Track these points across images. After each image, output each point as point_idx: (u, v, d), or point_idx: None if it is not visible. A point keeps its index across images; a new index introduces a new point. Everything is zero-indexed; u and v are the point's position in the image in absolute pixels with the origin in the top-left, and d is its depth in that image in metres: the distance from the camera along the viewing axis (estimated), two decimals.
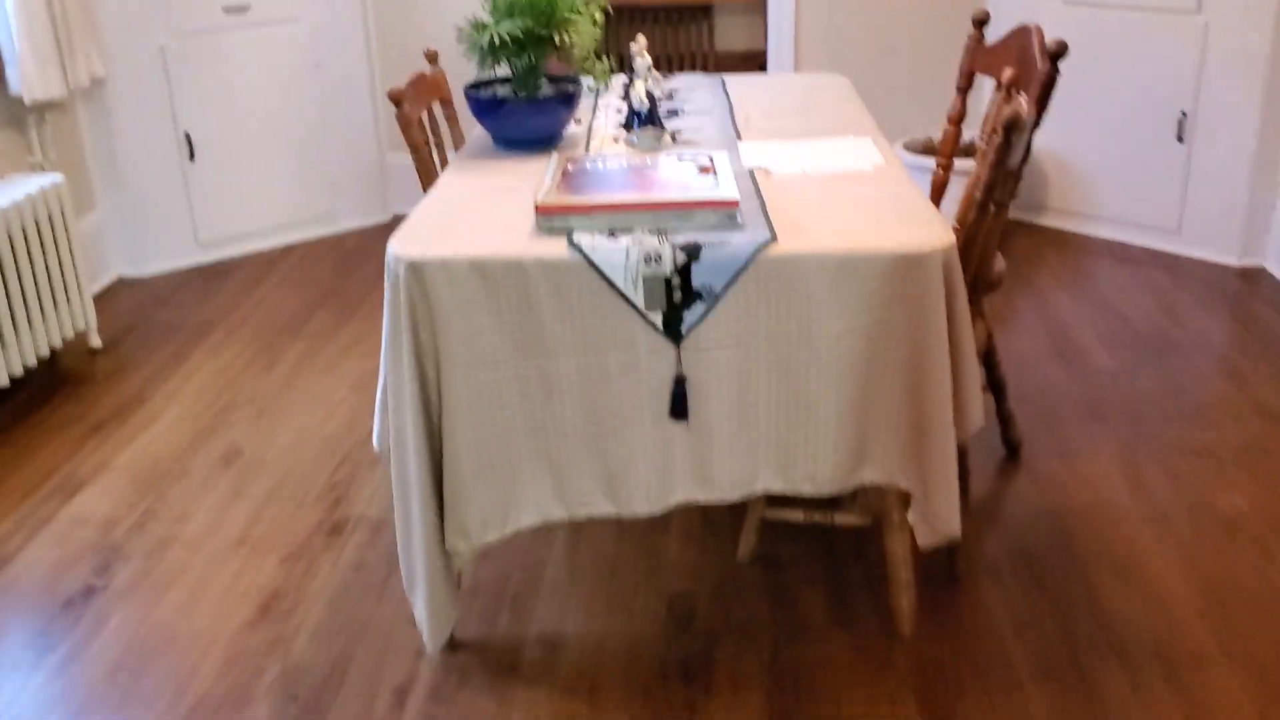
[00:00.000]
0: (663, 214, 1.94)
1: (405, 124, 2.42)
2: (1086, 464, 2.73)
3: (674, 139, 2.53)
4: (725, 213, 1.94)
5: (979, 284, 2.22)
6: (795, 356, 1.89)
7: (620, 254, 1.86)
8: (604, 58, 3.01)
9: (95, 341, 3.44)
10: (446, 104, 2.80)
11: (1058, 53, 2.37)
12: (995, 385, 2.69)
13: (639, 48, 2.47)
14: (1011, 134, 1.97)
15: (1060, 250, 4.11)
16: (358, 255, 4.30)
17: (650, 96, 2.45)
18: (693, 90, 3.01)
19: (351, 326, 3.62)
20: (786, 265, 1.86)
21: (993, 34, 2.81)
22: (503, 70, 2.48)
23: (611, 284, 1.87)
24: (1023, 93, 2.38)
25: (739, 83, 3.07)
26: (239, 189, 4.21)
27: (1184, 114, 3.80)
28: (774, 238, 1.88)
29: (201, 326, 3.65)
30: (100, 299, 3.88)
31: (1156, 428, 2.89)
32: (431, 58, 2.78)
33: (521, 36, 2.36)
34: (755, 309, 1.88)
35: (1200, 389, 3.08)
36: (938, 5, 4.44)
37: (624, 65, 2.56)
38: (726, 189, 1.98)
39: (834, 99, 2.88)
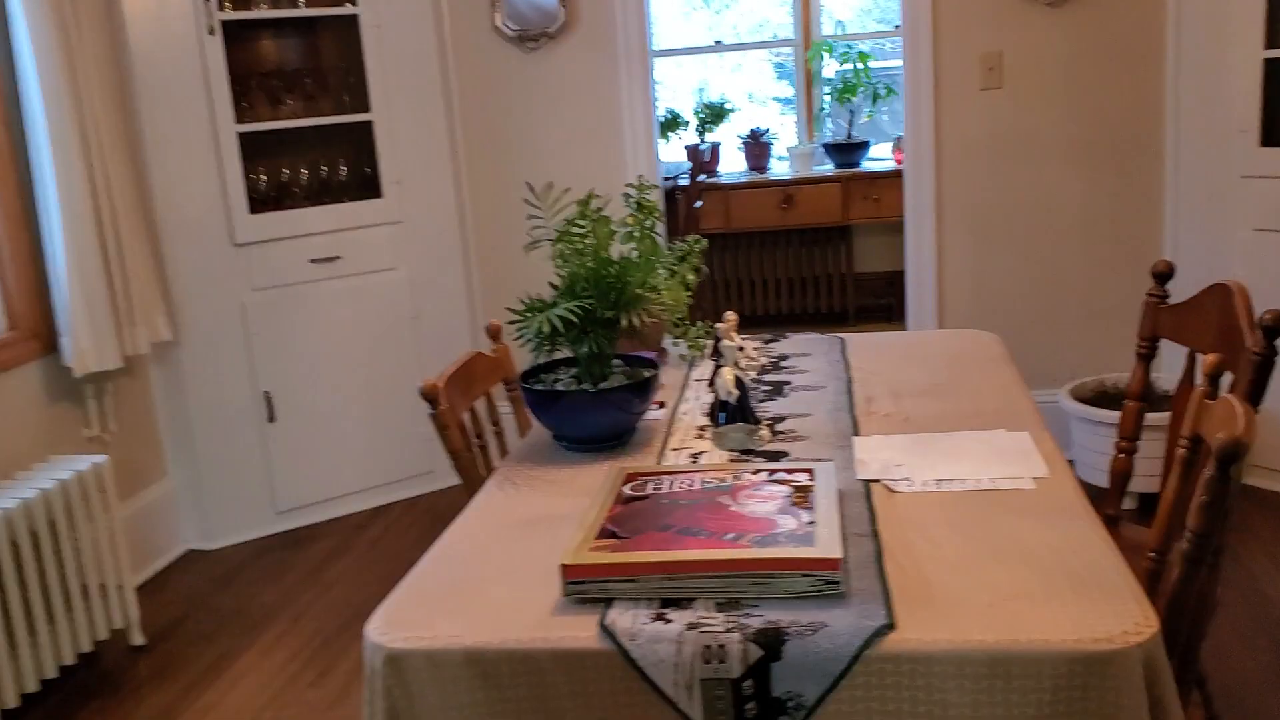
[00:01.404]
0: (734, 578, 1.41)
1: (442, 426, 1.98)
2: None
3: (772, 432, 2.02)
4: (822, 577, 1.40)
5: (1191, 661, 1.59)
6: None
7: (669, 648, 1.34)
8: (697, 324, 2.56)
9: (137, 639, 3.05)
10: (511, 385, 2.38)
11: (1275, 327, 1.80)
12: None
13: (726, 328, 2.00)
14: (1229, 467, 1.40)
15: (1274, 519, 3.38)
16: (453, 516, 3.87)
17: (740, 385, 1.96)
18: (805, 356, 2.51)
19: None
20: (911, 666, 1.30)
21: (1179, 286, 2.25)
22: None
23: (658, 689, 1.34)
24: (1224, 374, 1.80)
25: (862, 346, 2.56)
26: (324, 449, 3.87)
27: None
28: (892, 623, 1.32)
29: (262, 615, 3.24)
30: (162, 577, 3.52)
31: None
32: (494, 333, 2.37)
33: (579, 321, 1.92)
34: None
35: None
36: (1106, 222, 3.88)
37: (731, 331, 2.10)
38: (825, 538, 1.45)
39: (980, 369, 2.34)
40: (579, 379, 2.04)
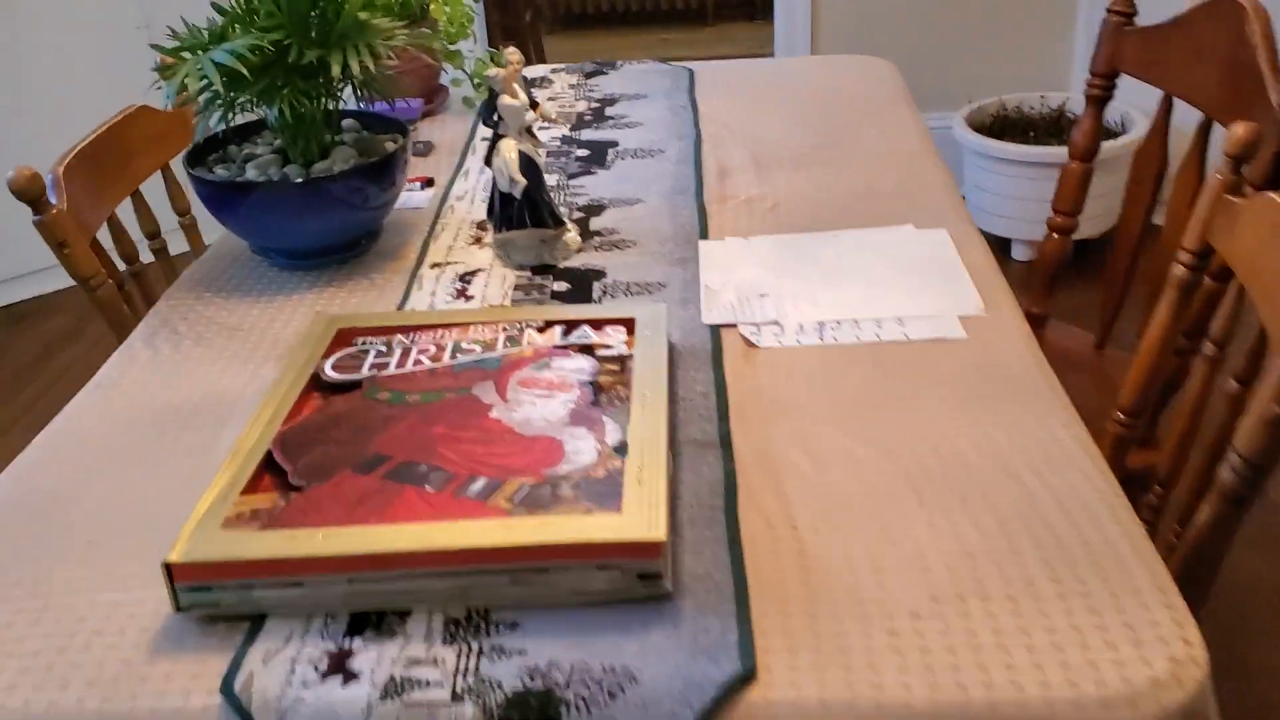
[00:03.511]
0: (480, 575, 0.80)
1: (55, 242, 1.26)
2: None
3: (583, 235, 1.37)
4: (632, 569, 0.80)
5: None
6: None
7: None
8: (489, 51, 1.84)
9: None
10: None
11: None
12: None
13: (506, 75, 1.27)
14: None
15: None
16: None
17: (531, 168, 1.28)
18: (640, 99, 1.82)
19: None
20: None
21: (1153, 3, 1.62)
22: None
23: None
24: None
25: (717, 82, 1.88)
26: None
27: None
28: (752, 669, 0.74)
29: None
30: None
31: None
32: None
33: (260, 71, 1.19)
34: None
35: None
36: None
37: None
38: (640, 488, 0.84)
39: (873, 117, 1.69)
40: (284, 158, 1.33)
